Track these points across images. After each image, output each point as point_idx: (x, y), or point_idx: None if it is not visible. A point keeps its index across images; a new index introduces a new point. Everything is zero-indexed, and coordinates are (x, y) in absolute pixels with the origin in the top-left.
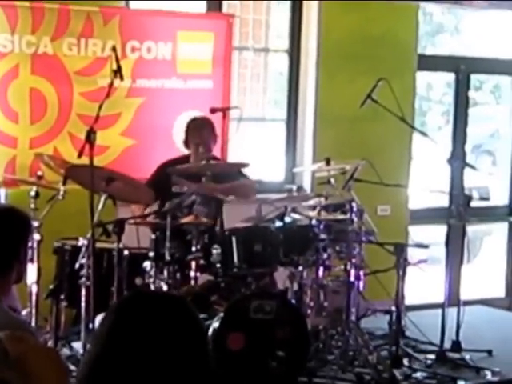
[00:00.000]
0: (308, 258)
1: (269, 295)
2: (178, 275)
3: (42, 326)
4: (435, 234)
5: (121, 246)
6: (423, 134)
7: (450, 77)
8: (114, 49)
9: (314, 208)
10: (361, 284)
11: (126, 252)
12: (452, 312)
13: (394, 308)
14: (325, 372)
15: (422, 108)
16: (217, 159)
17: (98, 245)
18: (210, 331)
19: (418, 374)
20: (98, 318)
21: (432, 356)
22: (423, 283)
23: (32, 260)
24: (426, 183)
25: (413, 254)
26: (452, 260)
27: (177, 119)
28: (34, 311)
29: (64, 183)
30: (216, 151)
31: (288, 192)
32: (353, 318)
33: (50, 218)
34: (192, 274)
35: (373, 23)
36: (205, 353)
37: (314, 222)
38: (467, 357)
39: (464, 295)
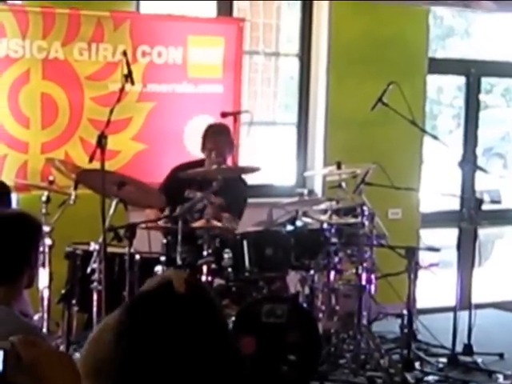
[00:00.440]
0: (319, 262)
1: (280, 299)
2: None
3: (53, 331)
4: (446, 238)
5: (132, 250)
6: (434, 137)
7: (460, 80)
8: (124, 53)
9: (325, 212)
10: (372, 288)
11: (137, 256)
12: (464, 315)
13: (405, 311)
14: (336, 376)
15: (432, 111)
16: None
17: (110, 249)
18: None
19: (430, 378)
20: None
21: (444, 359)
22: (435, 287)
23: (44, 265)
24: (437, 186)
25: (424, 257)
26: (463, 263)
27: (188, 124)
28: (45, 316)
29: (75, 188)
30: (229, 159)
31: (299, 196)
32: (364, 321)
33: (61, 223)
34: (203, 278)
35: (383, 27)
36: (227, 342)
37: (325, 225)
38: (479, 360)
39: (475, 298)
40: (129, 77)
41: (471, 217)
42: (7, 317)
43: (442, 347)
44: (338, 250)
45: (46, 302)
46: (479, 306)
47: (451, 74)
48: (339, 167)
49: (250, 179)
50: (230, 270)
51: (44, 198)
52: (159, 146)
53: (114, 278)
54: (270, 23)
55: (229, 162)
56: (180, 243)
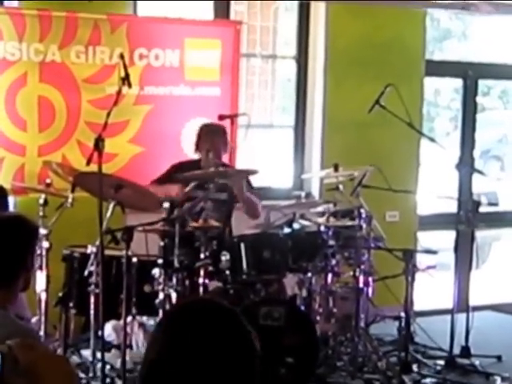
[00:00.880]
0: (317, 265)
1: (278, 302)
2: (187, 282)
3: (51, 334)
4: (444, 240)
5: (129, 253)
6: (431, 139)
7: (457, 82)
8: (121, 56)
9: (322, 214)
10: (370, 290)
11: (134, 259)
12: (461, 318)
13: (403, 314)
14: (334, 378)
15: (429, 114)
16: (227, 166)
17: (107, 252)
18: None
19: (428, 380)
20: (107, 326)
21: (441, 362)
22: (432, 289)
23: (41, 268)
24: (435, 189)
25: (421, 259)
26: (461, 266)
27: (185, 126)
28: (43, 319)
29: (72, 191)
30: (225, 158)
31: (296, 198)
32: (362, 324)
33: (58, 226)
34: (201, 280)
35: (380, 29)
36: (254, 367)
37: (322, 228)
38: (476, 362)
39: (473, 301)
40: (126, 80)
41: (468, 219)
42: (4, 320)
43: (440, 349)
44: (335, 252)
45: (43, 305)
46: (477, 309)
47: (448, 77)
48: (336, 170)
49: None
50: (227, 272)
51: (41, 201)
52: (156, 148)
53: (111, 280)
54: (267, 26)
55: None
56: (177, 246)
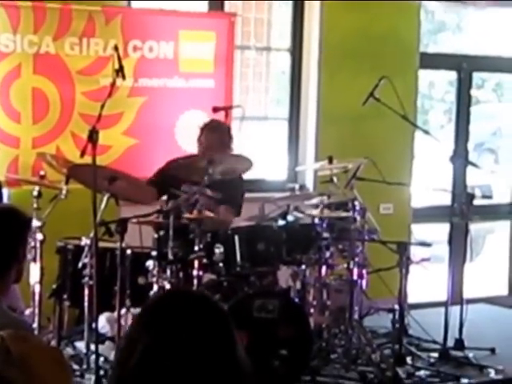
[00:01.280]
0: (311, 257)
1: (272, 294)
2: (181, 274)
3: (45, 326)
4: (438, 233)
5: (123, 245)
6: (426, 132)
7: (452, 75)
8: (116, 48)
9: (316, 206)
10: (364, 282)
11: (128, 251)
12: (455, 310)
13: (396, 306)
14: (328, 371)
15: (424, 106)
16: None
17: (101, 244)
18: None
19: (421, 373)
20: (101, 318)
21: (435, 354)
22: (426, 281)
23: (35, 260)
24: (429, 181)
25: (415, 252)
26: (455, 258)
27: (179, 118)
28: (37, 311)
29: (66, 182)
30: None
31: (290, 191)
32: (356, 316)
33: (52, 218)
34: (195, 273)
35: (375, 21)
36: (234, 350)
37: (316, 220)
38: (470, 355)
39: (467, 293)
40: (120, 71)
41: (462, 212)
42: None
43: (434, 342)
44: (329, 244)
45: (37, 297)
46: (471, 301)
47: (443, 69)
48: (331, 162)
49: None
50: (221, 264)
51: (35, 193)
52: (150, 140)
53: (105, 272)
54: (262, 18)
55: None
56: (171, 238)
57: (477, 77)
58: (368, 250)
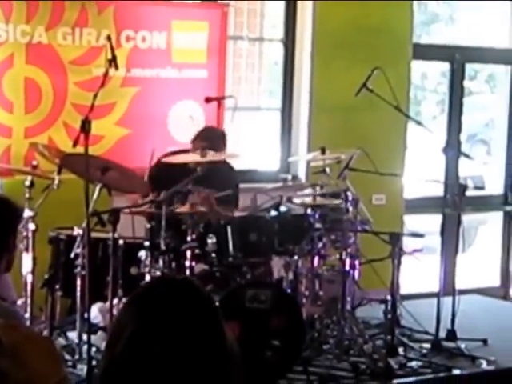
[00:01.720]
0: (303, 248)
1: (264, 284)
2: (174, 264)
3: (37, 316)
4: (430, 224)
5: (116, 235)
6: (418, 123)
7: (444, 66)
8: (108, 38)
9: (309, 197)
10: (356, 273)
11: (121, 241)
12: (447, 301)
13: (389, 297)
14: (320, 361)
15: (416, 97)
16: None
17: (93, 234)
18: None
19: (414, 363)
20: (93, 308)
21: (427, 345)
22: (418, 272)
23: (27, 250)
24: (421, 172)
25: (408, 243)
26: (447, 249)
27: (172, 109)
28: (29, 301)
29: (59, 173)
30: None
31: (283, 181)
32: (348, 307)
33: (45, 208)
34: (187, 263)
35: (368, 12)
36: (222, 339)
37: (309, 211)
38: (462, 346)
39: (459, 284)
40: (113, 61)
41: (455, 203)
42: None
43: (426, 333)
44: (321, 235)
45: (29, 287)
46: (463, 292)
47: (435, 60)
48: (323, 153)
49: (235, 164)
50: (213, 255)
51: (27, 183)
52: (143, 130)
53: (97, 262)
54: (255, 8)
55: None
56: (164, 228)
57: (469, 68)
58: (360, 241)
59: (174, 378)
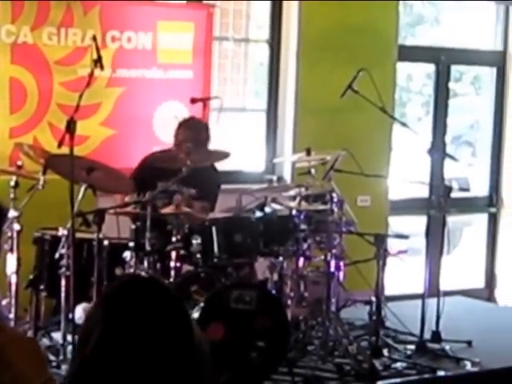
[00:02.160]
0: (288, 249)
1: (249, 285)
2: (158, 265)
3: (21, 317)
4: (415, 225)
5: (101, 236)
6: (403, 124)
7: (430, 68)
8: (94, 38)
9: (294, 198)
10: (341, 274)
11: (106, 242)
12: (432, 303)
13: (373, 298)
14: (305, 362)
15: (401, 99)
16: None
17: (78, 235)
18: None
19: (398, 365)
20: (78, 309)
21: (412, 346)
22: (403, 274)
23: (11, 250)
24: (406, 174)
25: (393, 244)
26: (432, 251)
27: (157, 109)
28: (13, 301)
29: (44, 173)
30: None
31: (268, 182)
32: (333, 308)
33: (29, 208)
34: (172, 264)
35: (353, 14)
36: (191, 338)
37: (294, 212)
38: (447, 347)
39: (444, 286)
40: (98, 62)
41: (440, 204)
42: None
43: (411, 334)
44: (306, 236)
45: (13, 288)
46: (447, 294)
47: (421, 62)
48: (309, 154)
49: (220, 165)
50: (198, 255)
51: (12, 183)
52: (128, 131)
53: (82, 263)
54: (240, 9)
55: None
56: (149, 229)
57: (455, 70)
58: (345, 242)
59: (142, 377)
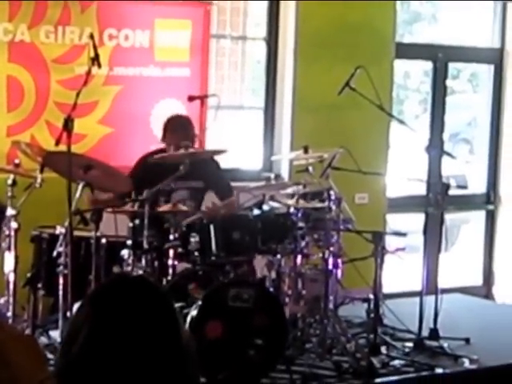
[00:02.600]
0: (286, 246)
1: (247, 283)
2: (156, 263)
3: (19, 315)
4: (413, 223)
5: (98, 234)
6: (401, 122)
7: (427, 65)
8: (91, 36)
9: (292, 196)
10: (339, 272)
11: (103, 240)
12: (430, 300)
13: (371, 296)
14: (303, 360)
15: (399, 96)
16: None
17: (76, 233)
18: (188, 319)
19: (396, 362)
20: (76, 307)
21: (410, 344)
22: (401, 271)
23: (9, 248)
24: (404, 171)
25: (391, 242)
26: (430, 248)
27: (154, 107)
28: (11, 300)
29: (41, 171)
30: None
31: (266, 180)
32: (331, 306)
33: (27, 206)
34: (170, 262)
35: (351, 11)
36: (178, 337)
37: (292, 210)
38: (445, 345)
39: (442, 283)
40: (95, 60)
41: (438, 202)
42: None
43: (409, 332)
44: (304, 234)
45: (11, 286)
46: (445, 291)
47: (418, 59)
48: (306, 151)
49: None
50: (196, 253)
51: (10, 181)
52: (126, 129)
53: (80, 261)
54: (238, 7)
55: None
56: (147, 227)
57: (452, 67)
58: (343, 240)
59: (130, 376)
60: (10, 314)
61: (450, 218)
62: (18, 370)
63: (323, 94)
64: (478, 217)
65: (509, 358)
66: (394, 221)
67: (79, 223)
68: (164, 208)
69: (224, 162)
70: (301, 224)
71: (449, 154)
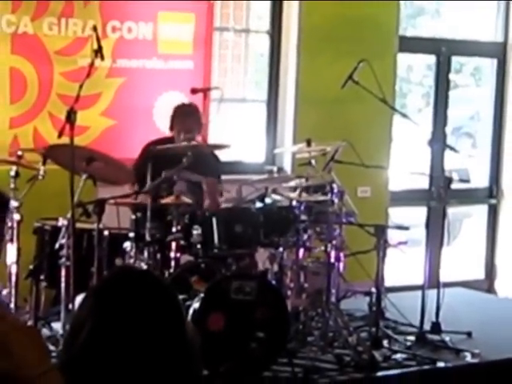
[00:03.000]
0: (288, 239)
1: (249, 276)
2: (159, 256)
3: (21, 307)
4: (415, 216)
5: (101, 226)
6: (404, 115)
7: (430, 59)
8: (94, 28)
9: (294, 189)
10: (341, 265)
11: (106, 232)
12: (432, 294)
13: (373, 289)
14: (305, 353)
15: (402, 90)
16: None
17: (78, 225)
18: (190, 312)
19: (398, 356)
20: (78, 299)
21: (412, 337)
22: (403, 265)
23: (12, 240)
24: (407, 165)
25: (393, 235)
26: (432, 242)
27: (157, 99)
28: (13, 291)
29: (44, 163)
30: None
31: (268, 173)
32: (333, 299)
33: (30, 198)
34: (172, 254)
35: (354, 5)
36: (183, 331)
37: (294, 203)
38: (447, 338)
39: (444, 277)
40: (99, 52)
41: (440, 195)
42: None
43: (410, 325)
44: (307, 227)
45: (13, 278)
46: (447, 285)
47: (421, 53)
48: (309, 145)
49: (220, 156)
50: (198, 246)
51: (12, 173)
52: (128, 121)
53: (82, 253)
54: (241, 0)
55: (198, 139)
56: (149, 219)
57: (455, 61)
58: (345, 233)
59: (134, 369)
60: (12, 305)
61: (452, 211)
62: (20, 361)
63: (326, 88)
64: (481, 211)
65: (510, 352)
66: (397, 214)
67: (81, 215)
68: (166, 200)
69: (227, 154)
70: (303, 217)
71: (451, 148)
